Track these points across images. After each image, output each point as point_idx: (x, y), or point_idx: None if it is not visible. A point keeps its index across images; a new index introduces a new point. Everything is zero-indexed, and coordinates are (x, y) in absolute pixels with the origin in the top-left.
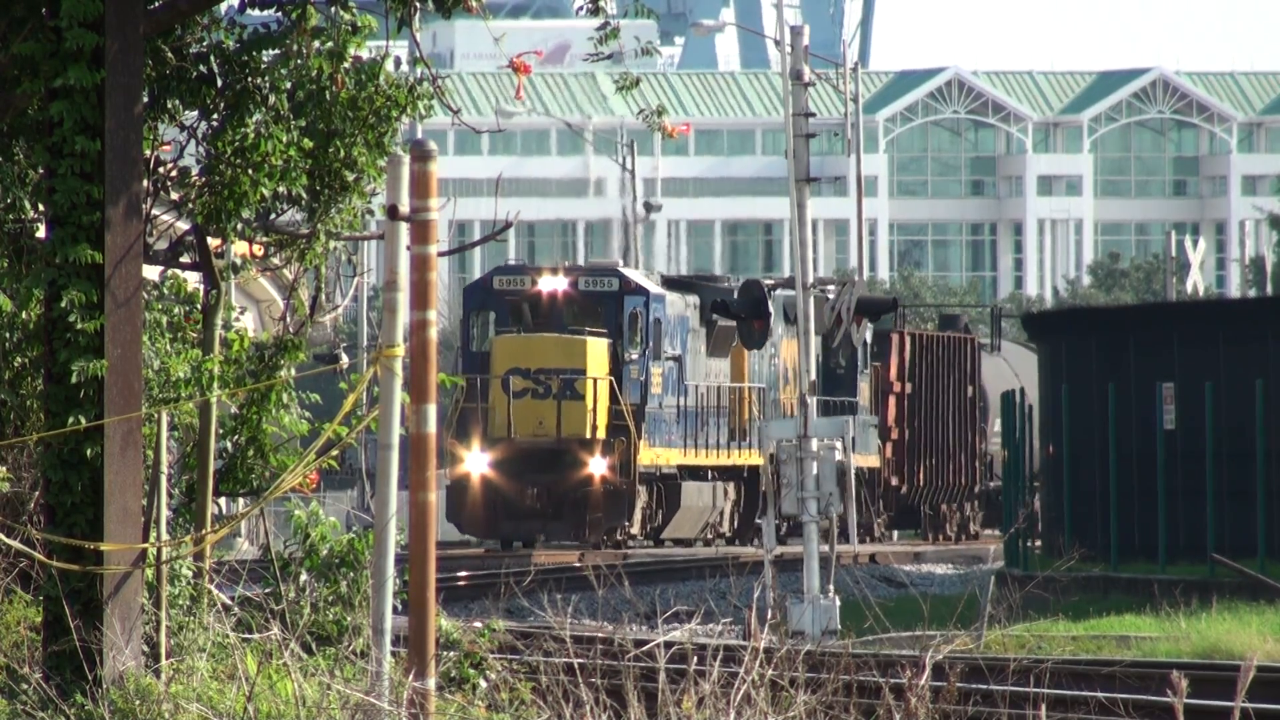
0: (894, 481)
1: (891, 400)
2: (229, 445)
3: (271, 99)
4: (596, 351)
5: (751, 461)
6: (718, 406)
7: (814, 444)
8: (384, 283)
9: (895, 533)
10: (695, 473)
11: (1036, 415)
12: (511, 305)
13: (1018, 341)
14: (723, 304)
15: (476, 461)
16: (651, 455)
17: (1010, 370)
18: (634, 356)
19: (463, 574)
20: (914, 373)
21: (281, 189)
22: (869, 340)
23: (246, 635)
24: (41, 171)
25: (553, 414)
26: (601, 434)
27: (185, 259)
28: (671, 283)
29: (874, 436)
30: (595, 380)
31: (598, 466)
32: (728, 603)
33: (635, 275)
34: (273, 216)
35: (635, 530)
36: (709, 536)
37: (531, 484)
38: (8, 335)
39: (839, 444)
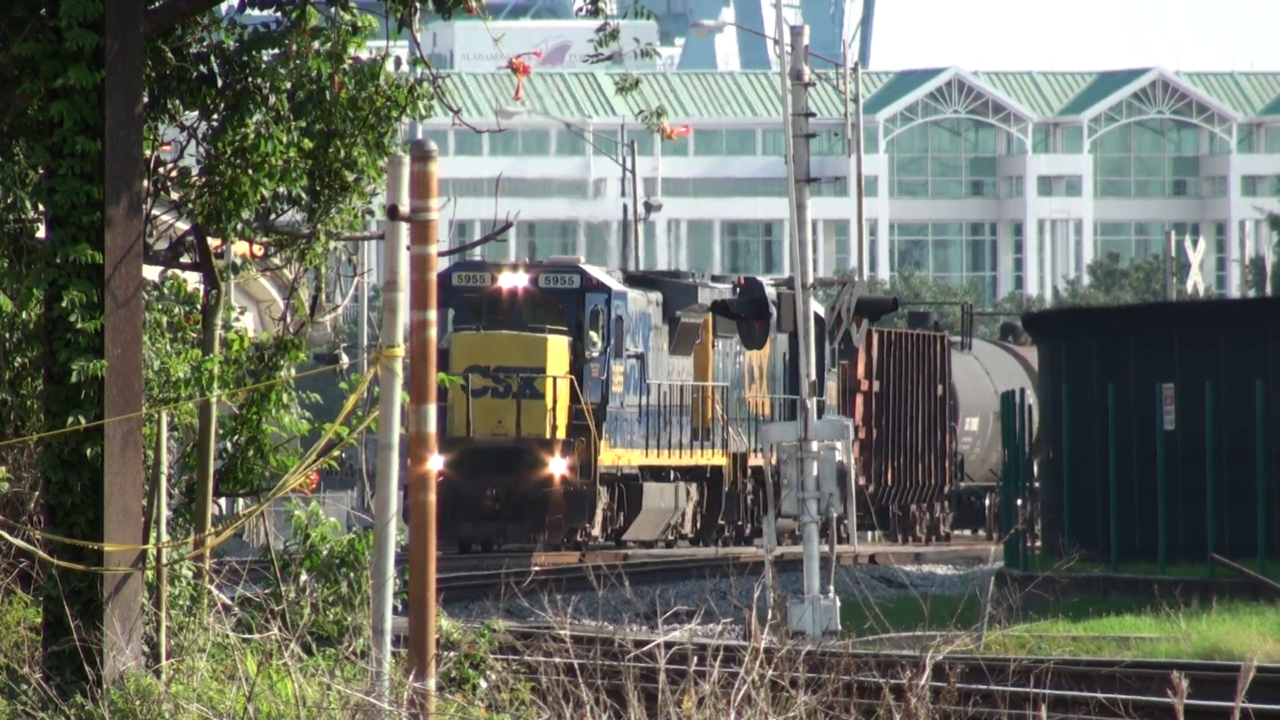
0: (862, 481)
1: (859, 399)
2: (229, 445)
3: (271, 99)
4: (557, 349)
5: (714, 462)
6: (680, 406)
7: (814, 445)
8: (384, 283)
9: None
10: (657, 473)
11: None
12: (471, 302)
13: (990, 340)
14: (723, 304)
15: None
16: (613, 455)
17: (982, 369)
18: (595, 355)
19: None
20: (882, 371)
21: (281, 189)
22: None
23: (246, 635)
24: (41, 171)
25: (512, 413)
26: (562, 434)
27: (185, 259)
28: (634, 280)
29: None
30: (555, 379)
31: (558, 467)
32: (728, 603)
33: (596, 272)
34: (273, 217)
35: (596, 532)
36: (670, 538)
37: (490, 485)
38: (8, 335)
39: (839, 445)
